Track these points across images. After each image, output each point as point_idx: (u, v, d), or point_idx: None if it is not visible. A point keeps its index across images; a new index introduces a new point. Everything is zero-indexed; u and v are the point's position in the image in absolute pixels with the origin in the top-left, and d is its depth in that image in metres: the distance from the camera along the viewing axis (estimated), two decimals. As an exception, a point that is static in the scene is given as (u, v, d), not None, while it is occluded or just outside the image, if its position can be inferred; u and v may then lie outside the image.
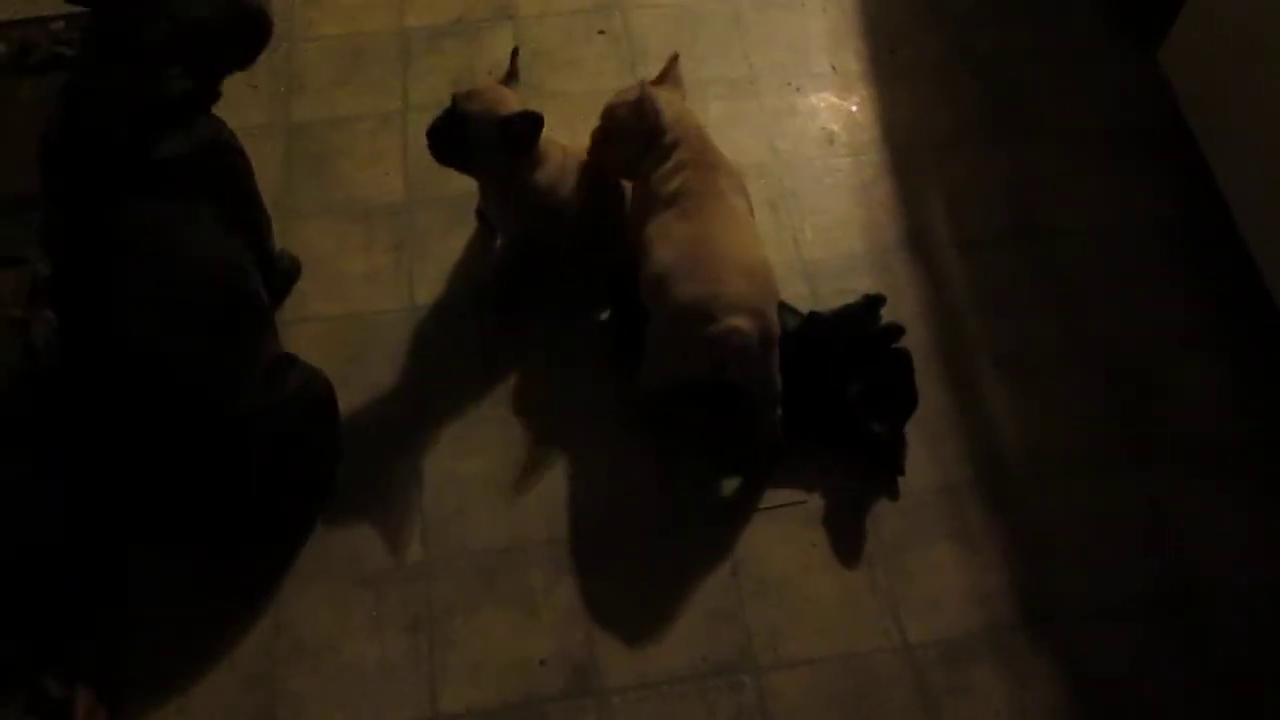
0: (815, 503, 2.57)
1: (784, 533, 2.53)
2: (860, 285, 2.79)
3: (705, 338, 2.30)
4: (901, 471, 2.58)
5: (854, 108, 3.18)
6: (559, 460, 2.61)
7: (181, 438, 2.22)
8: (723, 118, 3.13)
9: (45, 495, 2.41)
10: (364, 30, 3.30)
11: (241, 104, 2.46)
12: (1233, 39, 2.72)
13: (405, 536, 2.52)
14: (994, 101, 3.18)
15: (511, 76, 2.63)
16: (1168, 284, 2.86)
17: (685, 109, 2.61)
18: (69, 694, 2.24)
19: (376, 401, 2.68)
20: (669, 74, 2.67)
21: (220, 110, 2.41)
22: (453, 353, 2.75)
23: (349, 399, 2.61)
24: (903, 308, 2.78)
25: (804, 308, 2.70)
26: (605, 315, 2.80)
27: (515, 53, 2.66)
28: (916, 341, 2.73)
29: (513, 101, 2.54)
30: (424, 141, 2.56)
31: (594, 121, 2.67)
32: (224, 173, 2.37)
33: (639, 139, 2.53)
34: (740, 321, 2.30)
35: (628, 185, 2.72)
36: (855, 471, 2.60)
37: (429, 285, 2.84)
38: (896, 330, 2.67)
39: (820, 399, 2.57)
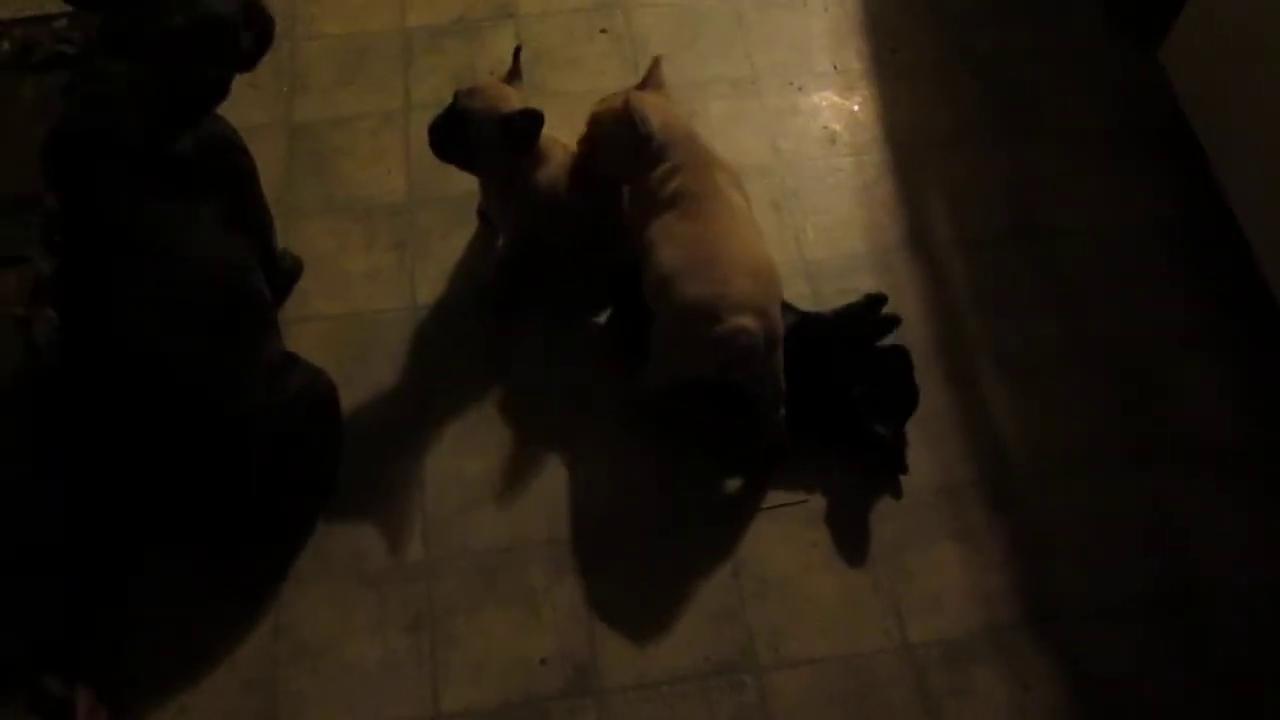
0: (816, 502, 2.57)
1: (785, 532, 2.53)
2: (862, 285, 2.79)
3: (711, 337, 2.30)
4: (904, 470, 2.59)
5: (856, 107, 3.18)
6: (560, 460, 2.62)
7: (183, 437, 2.22)
8: (725, 117, 3.14)
9: (45, 495, 2.41)
10: (366, 29, 3.30)
11: (243, 103, 2.46)
12: (1233, 38, 2.71)
13: (406, 536, 2.52)
14: (995, 101, 3.18)
15: (514, 75, 2.63)
16: (1168, 284, 2.86)
17: (671, 111, 2.60)
18: (70, 693, 2.24)
19: (378, 401, 2.68)
20: (652, 78, 2.66)
21: (222, 109, 2.41)
22: (454, 352, 2.75)
23: (350, 398, 2.61)
24: (904, 307, 2.78)
25: (807, 308, 2.70)
26: (607, 315, 2.79)
27: (518, 51, 2.66)
28: (918, 341, 2.74)
29: (515, 99, 2.55)
30: (426, 140, 2.57)
31: (594, 121, 2.67)
32: (228, 172, 2.38)
33: (627, 145, 2.53)
34: (746, 321, 2.30)
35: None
36: (856, 471, 2.60)
37: (430, 285, 2.84)
38: (893, 321, 2.68)
39: (822, 399, 2.57)
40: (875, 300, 2.70)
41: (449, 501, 2.56)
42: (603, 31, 3.30)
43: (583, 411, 2.67)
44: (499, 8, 3.35)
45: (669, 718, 2.34)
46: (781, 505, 2.57)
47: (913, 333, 2.75)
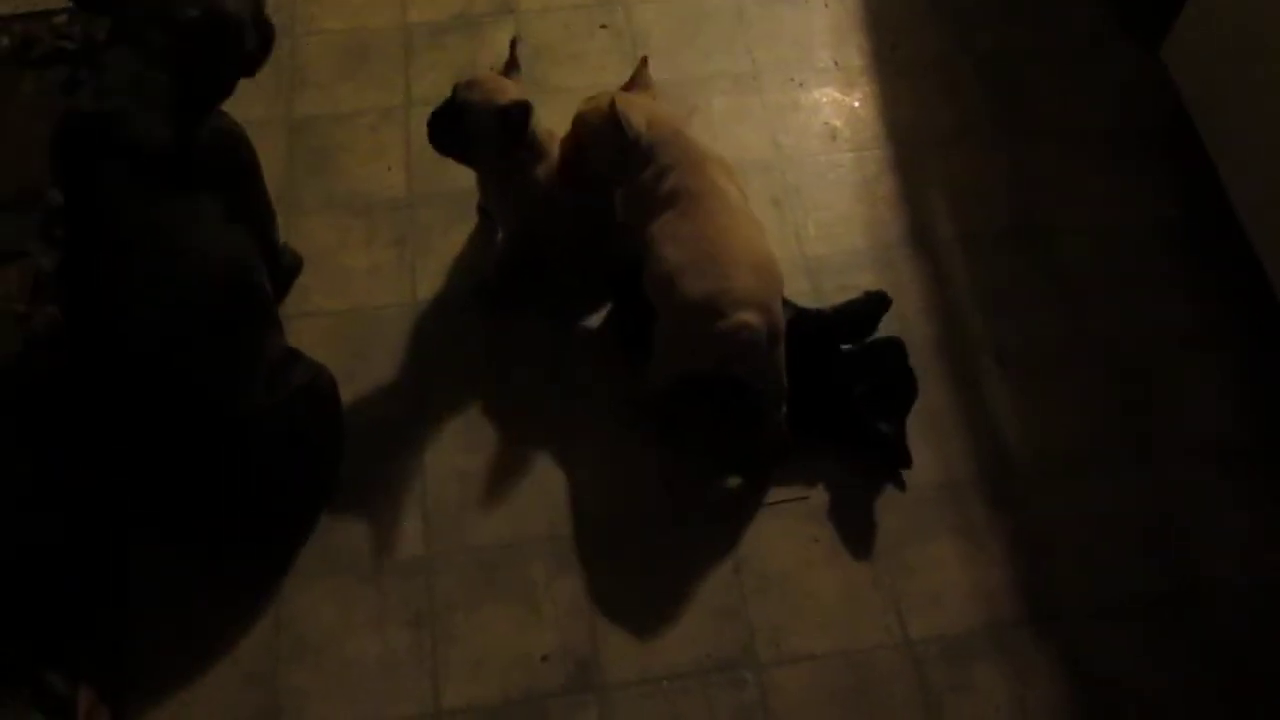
0: (817, 498, 2.57)
1: (786, 528, 2.54)
2: (863, 281, 2.79)
3: (714, 333, 2.31)
4: (908, 464, 2.59)
5: (857, 103, 3.18)
6: (561, 456, 2.62)
7: (184, 435, 2.22)
8: (725, 113, 3.14)
9: (45, 495, 2.41)
10: (366, 25, 3.30)
11: (244, 98, 2.46)
12: (1235, 36, 2.71)
13: (407, 532, 2.52)
14: (996, 98, 3.18)
15: (512, 67, 2.63)
16: (1168, 283, 2.86)
17: (658, 110, 2.58)
18: (71, 690, 2.24)
19: (378, 397, 2.68)
20: (639, 78, 2.64)
21: (224, 105, 2.41)
22: (455, 348, 2.75)
23: (351, 394, 2.61)
24: (905, 304, 2.79)
25: (807, 304, 2.70)
26: (607, 312, 2.79)
27: (514, 43, 2.66)
28: (918, 338, 2.74)
29: (513, 91, 2.54)
30: (426, 135, 2.57)
31: (597, 117, 2.67)
32: (233, 167, 2.38)
33: (613, 147, 2.51)
34: (749, 316, 2.30)
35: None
36: (857, 467, 2.60)
37: (431, 280, 2.84)
38: (883, 303, 2.69)
39: (823, 397, 2.58)
40: (874, 298, 2.70)
41: (449, 497, 2.56)
42: (603, 27, 3.30)
43: (584, 408, 2.67)
44: (500, 3, 3.35)
45: (670, 714, 2.34)
46: (782, 501, 2.57)
47: (914, 330, 2.75)
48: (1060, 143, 3.09)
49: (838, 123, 3.14)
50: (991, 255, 2.90)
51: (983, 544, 2.52)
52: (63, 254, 2.41)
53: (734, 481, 2.59)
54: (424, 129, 2.58)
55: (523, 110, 2.50)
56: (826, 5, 3.38)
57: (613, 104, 2.47)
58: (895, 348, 2.63)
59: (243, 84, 2.46)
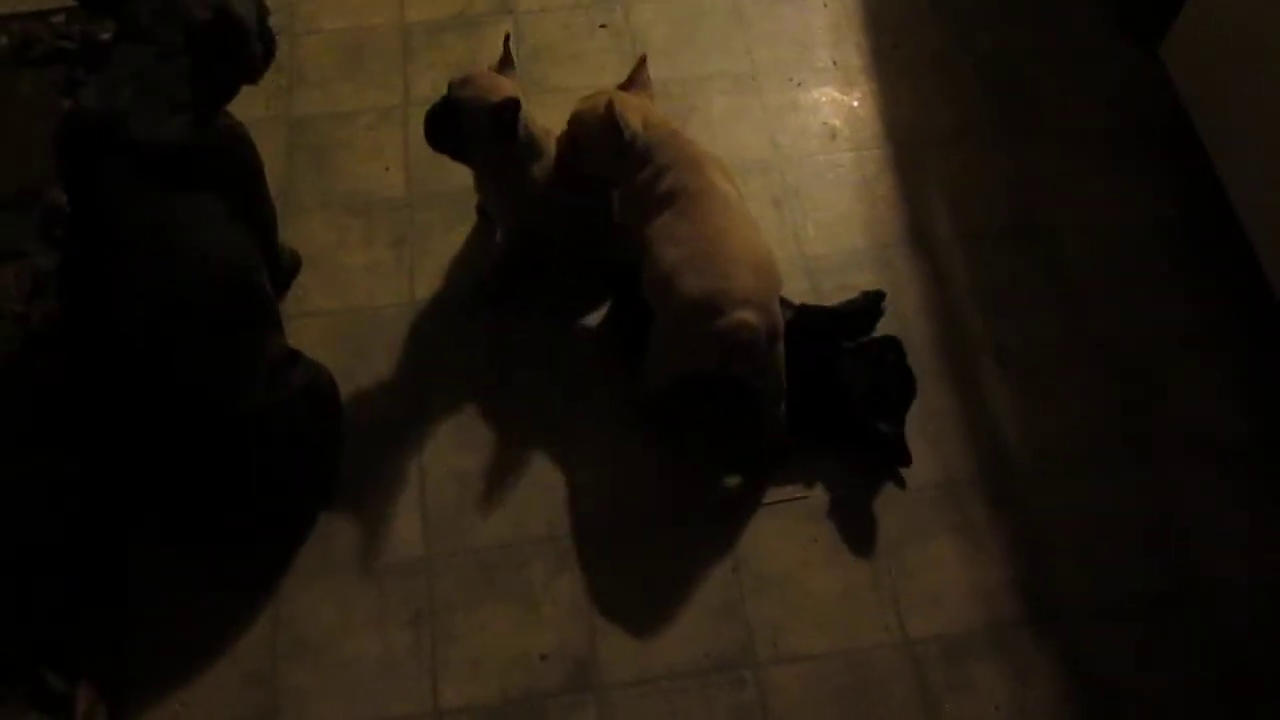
0: (816, 498, 2.57)
1: (785, 528, 2.53)
2: (862, 281, 2.79)
3: (713, 332, 2.30)
4: (907, 464, 2.58)
5: (855, 103, 3.18)
6: (560, 456, 2.61)
7: (184, 435, 2.22)
8: (724, 113, 3.13)
9: (45, 495, 2.41)
10: (365, 24, 3.29)
11: (243, 97, 2.46)
12: (1234, 34, 2.71)
13: (406, 532, 2.52)
14: (995, 98, 3.18)
15: (505, 63, 2.63)
16: (1168, 283, 2.86)
17: (653, 111, 2.58)
18: (70, 690, 2.24)
19: (377, 397, 2.68)
20: (637, 77, 2.64)
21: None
22: (453, 348, 2.75)
23: (349, 394, 2.61)
24: (904, 304, 2.79)
25: (804, 303, 2.70)
26: (605, 313, 2.79)
27: (507, 39, 2.65)
28: (917, 337, 2.74)
29: (508, 88, 2.54)
30: (423, 133, 2.57)
31: (595, 117, 2.67)
32: (235, 166, 2.38)
33: (609, 148, 2.51)
34: (748, 315, 2.30)
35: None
36: (857, 467, 2.60)
37: (429, 280, 2.84)
38: (878, 299, 2.70)
39: (822, 397, 2.57)
40: (872, 297, 2.71)
41: (448, 497, 2.56)
42: (602, 27, 3.30)
43: (583, 408, 2.67)
44: (498, 3, 3.35)
45: (669, 713, 2.33)
46: (781, 501, 2.57)
47: (913, 329, 2.75)
48: (1060, 142, 3.09)
49: (837, 122, 3.14)
50: (991, 255, 2.90)
51: (982, 543, 2.52)
52: (64, 252, 2.41)
53: (733, 481, 2.59)
54: (422, 129, 2.58)
55: (513, 107, 2.50)
56: (825, 4, 3.38)
57: (609, 105, 2.46)
58: (894, 347, 2.63)
59: (242, 83, 2.46)
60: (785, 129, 3.12)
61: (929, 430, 2.64)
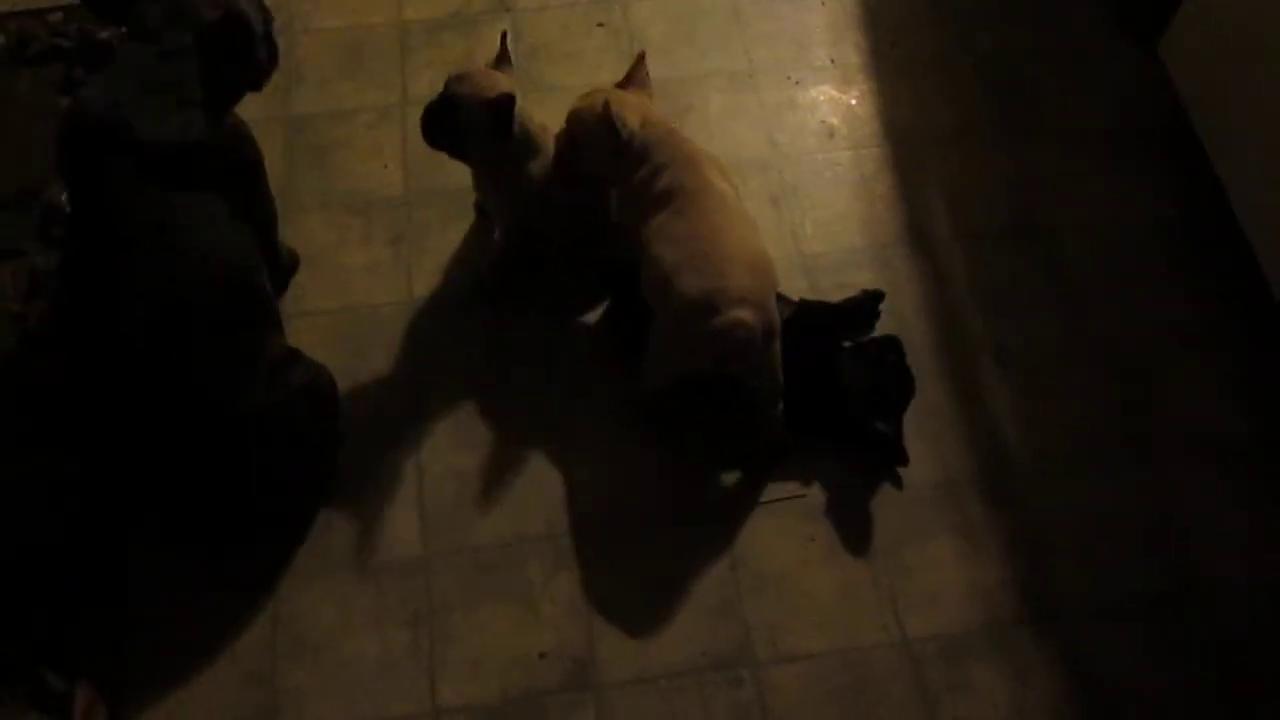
0: (814, 497, 2.57)
1: (783, 527, 2.53)
2: (860, 280, 2.79)
3: (709, 331, 2.30)
4: (906, 461, 2.58)
5: (854, 101, 3.18)
6: (558, 455, 2.61)
7: (184, 435, 2.21)
8: (722, 111, 3.13)
9: (45, 495, 2.41)
10: (363, 23, 3.29)
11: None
12: (1232, 33, 2.71)
13: (404, 531, 2.51)
14: (994, 97, 3.18)
15: (502, 60, 2.62)
16: (1168, 283, 2.86)
17: (652, 109, 2.58)
18: (69, 689, 2.24)
19: (375, 395, 2.68)
20: (635, 75, 2.63)
21: (223, 104, 2.42)
22: (452, 346, 2.75)
23: (348, 393, 2.60)
24: (903, 303, 2.79)
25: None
26: (603, 311, 2.79)
27: (505, 36, 2.65)
28: (916, 336, 2.74)
29: (505, 84, 2.53)
30: (420, 130, 2.57)
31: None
32: (238, 164, 2.38)
33: (607, 147, 2.51)
34: (744, 314, 2.30)
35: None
36: (855, 466, 2.60)
37: (428, 279, 2.84)
38: (877, 298, 2.72)
39: (821, 395, 2.57)
40: (871, 296, 2.71)
41: (447, 496, 2.56)
42: (600, 25, 3.30)
43: (582, 407, 2.67)
44: (496, 1, 3.35)
45: (667, 712, 2.33)
46: (779, 500, 2.56)
47: (912, 328, 2.75)
48: (1060, 142, 3.09)
49: (835, 121, 3.13)
50: (990, 254, 2.90)
51: (981, 543, 2.52)
52: (64, 252, 2.41)
53: (731, 480, 2.59)
54: (419, 126, 2.57)
55: (508, 102, 2.49)
56: (823, 3, 3.38)
57: (606, 105, 2.46)
58: (894, 347, 2.63)
59: (242, 82, 2.46)
60: (783, 127, 3.12)
61: (928, 430, 2.64)
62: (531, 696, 2.34)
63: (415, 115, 2.60)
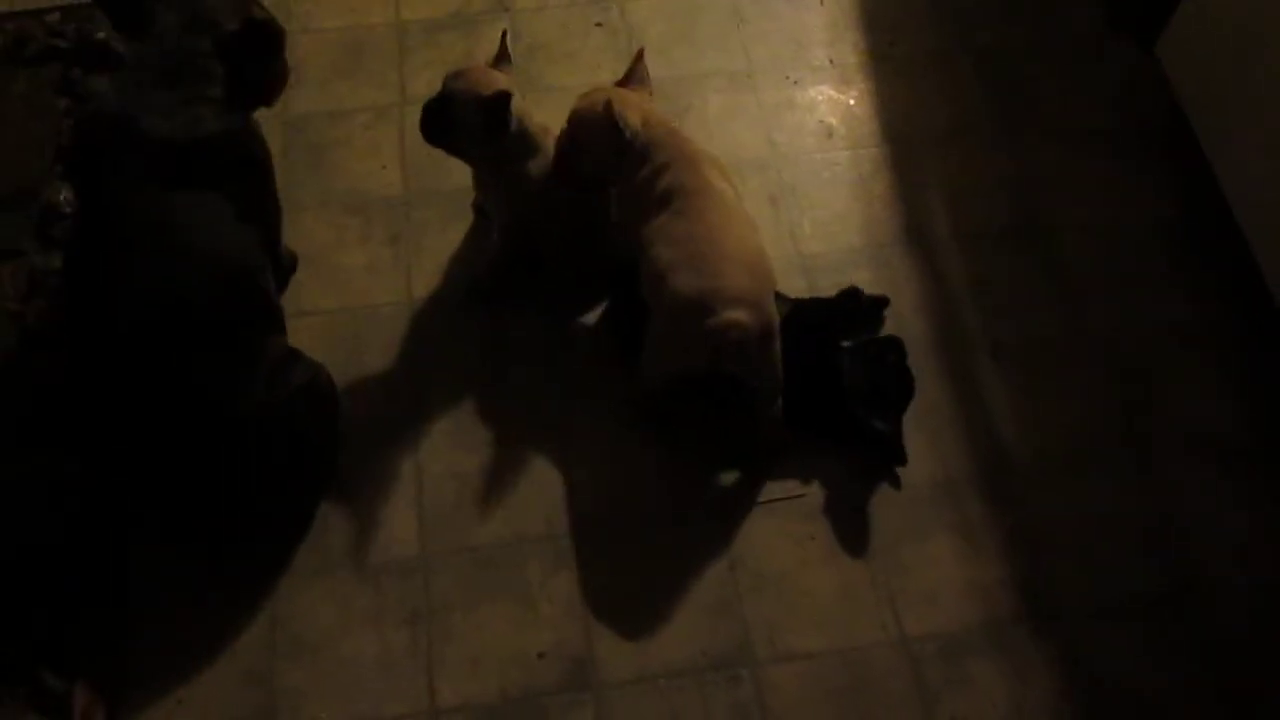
0: (813, 496, 2.57)
1: (782, 526, 2.53)
2: (859, 279, 2.79)
3: (704, 331, 2.30)
4: (904, 461, 2.58)
5: (852, 101, 3.17)
6: (557, 455, 2.61)
7: (184, 436, 2.21)
8: (721, 111, 3.13)
9: (45, 495, 2.41)
10: (362, 23, 3.29)
11: (240, 95, 2.47)
12: (1230, 32, 2.71)
13: (403, 530, 2.51)
14: (994, 97, 3.17)
15: (501, 58, 2.63)
16: (1168, 282, 2.86)
17: (652, 109, 2.59)
18: (68, 688, 2.24)
19: (374, 396, 2.68)
20: (635, 73, 2.63)
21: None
22: (451, 346, 2.75)
23: (346, 393, 2.60)
24: (901, 302, 2.79)
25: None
26: (602, 311, 2.79)
27: (504, 35, 2.65)
28: (915, 335, 2.73)
29: (502, 83, 2.53)
30: (419, 129, 2.58)
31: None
32: (246, 161, 2.38)
33: (608, 147, 2.51)
34: (739, 315, 2.30)
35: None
36: (854, 464, 2.60)
37: (426, 279, 2.84)
38: (881, 302, 2.73)
39: (819, 394, 2.57)
40: (876, 302, 2.73)
41: (446, 496, 2.55)
42: (598, 25, 3.29)
43: (581, 407, 2.67)
44: (495, 1, 3.34)
45: (666, 711, 2.33)
46: (778, 499, 2.56)
47: (910, 327, 2.75)
48: (1060, 141, 3.08)
49: (833, 121, 3.13)
50: (990, 254, 2.89)
51: (979, 542, 2.52)
52: (69, 251, 2.42)
53: (729, 479, 2.59)
54: (419, 126, 2.57)
55: (503, 99, 2.49)
56: (822, 2, 3.37)
57: (608, 105, 2.46)
58: (895, 347, 2.63)
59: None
60: (782, 127, 3.11)
61: (926, 428, 2.64)
62: (530, 696, 2.34)
63: (414, 115, 2.60)
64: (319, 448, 2.48)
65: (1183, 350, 2.76)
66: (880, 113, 3.15)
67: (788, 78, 3.21)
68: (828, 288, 2.79)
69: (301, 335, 2.66)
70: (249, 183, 2.38)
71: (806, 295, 2.76)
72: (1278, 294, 2.63)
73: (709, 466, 2.60)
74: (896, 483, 2.58)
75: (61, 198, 2.72)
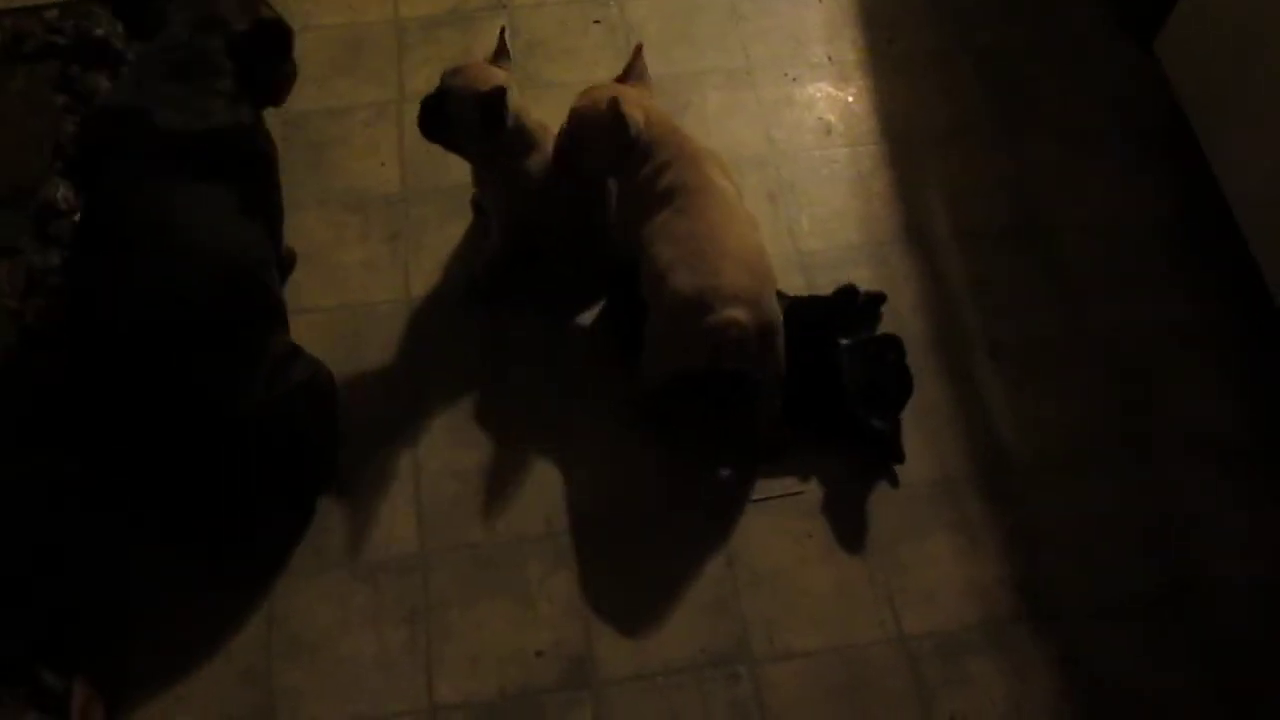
0: (811, 494, 2.57)
1: (780, 524, 2.53)
2: (858, 277, 2.79)
3: (702, 329, 2.30)
4: (902, 459, 2.58)
5: (851, 98, 3.17)
6: (556, 453, 2.61)
7: (184, 434, 2.21)
8: (720, 108, 3.13)
9: (45, 494, 2.40)
10: (360, 20, 3.28)
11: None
12: (1228, 31, 2.71)
13: (402, 529, 2.51)
14: (993, 95, 3.17)
15: (500, 55, 2.63)
16: (1168, 282, 2.86)
17: (654, 106, 2.58)
18: (67, 686, 2.23)
19: (373, 393, 2.68)
20: (634, 69, 2.63)
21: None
22: (450, 344, 2.74)
23: (345, 390, 2.59)
24: (900, 300, 2.79)
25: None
26: (601, 309, 2.79)
27: (503, 32, 2.65)
28: (913, 334, 2.73)
29: (500, 79, 2.53)
30: (417, 126, 2.57)
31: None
32: (252, 155, 2.38)
33: (612, 145, 2.51)
34: (738, 313, 2.29)
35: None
36: (852, 462, 2.60)
37: (425, 276, 2.83)
38: (878, 299, 2.74)
39: (818, 392, 2.57)
40: (873, 298, 2.73)
41: (444, 494, 2.55)
42: (596, 22, 3.29)
43: (580, 405, 2.67)
44: (493, -2, 3.35)
45: (665, 709, 2.33)
46: (776, 497, 2.56)
47: (909, 325, 2.75)
48: (1060, 141, 3.08)
49: (832, 118, 3.13)
50: (989, 253, 2.89)
51: (978, 540, 2.52)
52: (73, 249, 2.42)
53: (728, 477, 2.59)
54: (416, 123, 2.57)
55: (499, 95, 2.49)
56: (820, 0, 3.37)
57: (614, 102, 2.46)
58: (895, 346, 2.63)
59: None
60: (780, 124, 3.11)
61: (925, 427, 2.64)
62: (529, 694, 2.34)
63: (412, 112, 2.60)
64: (318, 445, 2.48)
65: (1183, 350, 2.76)
66: (879, 110, 3.15)
67: (786, 75, 3.21)
68: (826, 285, 2.78)
69: (300, 333, 2.64)
70: (256, 178, 2.39)
71: (805, 293, 2.76)
72: (1278, 294, 2.63)
73: (707, 464, 2.60)
74: (895, 481, 2.58)
75: (59, 195, 2.71)
